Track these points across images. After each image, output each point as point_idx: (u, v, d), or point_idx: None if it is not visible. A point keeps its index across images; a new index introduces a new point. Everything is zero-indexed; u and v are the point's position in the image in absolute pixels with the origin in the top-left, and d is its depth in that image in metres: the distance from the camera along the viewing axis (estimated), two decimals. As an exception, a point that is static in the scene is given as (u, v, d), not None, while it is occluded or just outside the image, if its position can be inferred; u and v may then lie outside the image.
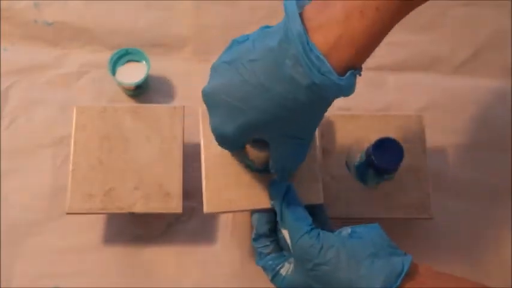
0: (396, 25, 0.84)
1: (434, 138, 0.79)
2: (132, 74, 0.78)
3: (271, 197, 0.64)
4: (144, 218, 0.75)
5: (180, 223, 0.75)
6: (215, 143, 0.67)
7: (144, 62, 0.79)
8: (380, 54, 0.83)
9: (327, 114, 0.71)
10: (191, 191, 0.73)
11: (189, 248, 0.75)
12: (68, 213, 0.68)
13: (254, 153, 0.64)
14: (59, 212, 0.74)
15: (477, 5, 0.86)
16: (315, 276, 0.58)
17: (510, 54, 0.84)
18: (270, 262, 0.63)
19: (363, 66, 0.84)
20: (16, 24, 0.83)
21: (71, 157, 0.69)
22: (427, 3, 0.84)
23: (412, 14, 0.85)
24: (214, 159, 0.68)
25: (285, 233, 0.62)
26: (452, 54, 0.84)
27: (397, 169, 0.68)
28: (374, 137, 0.67)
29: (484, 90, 0.83)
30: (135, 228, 0.75)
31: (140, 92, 0.80)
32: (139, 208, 0.68)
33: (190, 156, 0.71)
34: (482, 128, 0.81)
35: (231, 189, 0.67)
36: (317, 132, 0.71)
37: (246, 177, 0.67)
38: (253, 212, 0.66)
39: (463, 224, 0.77)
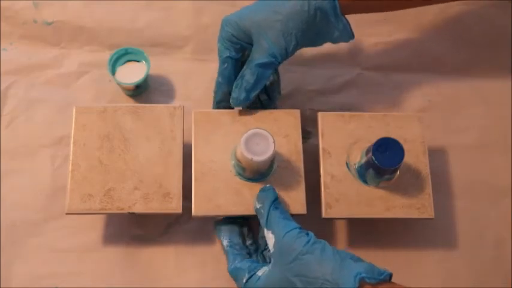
0: (396, 25, 0.85)
1: (434, 138, 0.79)
2: (132, 73, 0.78)
3: (260, 200, 0.66)
4: (144, 218, 0.75)
5: (180, 223, 0.75)
6: (207, 148, 0.69)
7: (143, 62, 0.78)
8: (380, 54, 0.84)
9: (327, 113, 0.72)
10: (191, 191, 0.73)
11: (188, 248, 0.74)
12: (67, 214, 0.68)
13: (247, 160, 0.65)
14: (59, 212, 0.74)
15: (477, 5, 0.86)
16: (296, 267, 0.59)
17: (510, 54, 0.84)
18: (249, 264, 0.65)
19: (363, 66, 0.84)
20: (16, 24, 0.83)
21: (71, 157, 0.69)
22: (427, 2, 0.85)
23: (412, 13, 0.86)
24: (205, 164, 0.69)
25: (268, 233, 0.63)
26: (452, 54, 0.84)
27: (397, 169, 0.68)
28: (374, 137, 0.67)
29: (484, 90, 0.83)
30: (134, 228, 0.75)
31: (140, 91, 0.80)
32: (139, 208, 0.68)
33: (190, 156, 0.71)
34: (482, 128, 0.81)
35: (220, 194, 0.68)
36: (318, 133, 0.72)
37: (234, 184, 0.69)
38: (217, 224, 0.70)
39: (463, 224, 0.77)
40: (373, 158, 0.66)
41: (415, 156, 0.71)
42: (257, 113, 0.72)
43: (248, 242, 0.70)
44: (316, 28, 0.69)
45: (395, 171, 0.68)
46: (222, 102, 0.73)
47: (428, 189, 0.71)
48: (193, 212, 0.68)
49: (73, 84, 0.81)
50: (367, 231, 0.75)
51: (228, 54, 0.71)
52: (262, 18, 0.68)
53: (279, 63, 0.70)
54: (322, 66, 0.83)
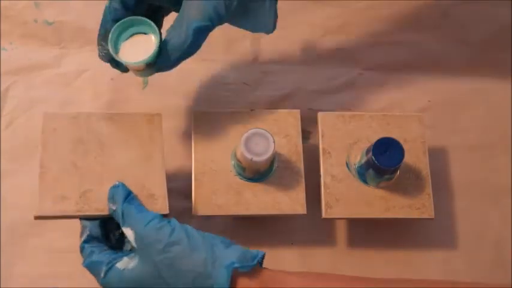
0: (396, 25, 0.85)
1: (434, 138, 0.79)
2: (139, 50, 0.64)
3: (112, 200, 0.62)
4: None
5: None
6: (207, 148, 0.68)
7: (151, 35, 0.64)
8: (380, 54, 0.84)
9: (327, 113, 0.72)
10: (191, 191, 0.73)
11: (189, 248, 0.74)
12: (36, 218, 0.64)
13: (247, 161, 0.65)
14: (59, 212, 0.74)
15: (478, 5, 0.86)
16: (165, 260, 0.56)
17: (510, 54, 0.84)
18: (105, 257, 0.59)
19: (363, 66, 0.84)
20: (16, 24, 0.83)
21: (39, 161, 0.65)
22: (427, 2, 0.85)
23: (413, 13, 0.85)
24: (205, 163, 0.69)
25: (128, 230, 0.59)
26: (453, 54, 0.84)
27: (397, 169, 0.68)
28: (374, 137, 0.67)
29: (484, 90, 0.83)
30: (134, 228, 0.75)
31: (151, 71, 0.66)
32: None
33: (190, 156, 0.71)
34: (483, 128, 0.81)
35: (220, 194, 0.68)
36: (318, 133, 0.72)
37: (234, 184, 0.69)
38: (82, 218, 0.64)
39: (463, 224, 0.77)
40: (373, 158, 0.66)
41: (415, 156, 0.71)
42: (257, 113, 0.72)
43: (115, 236, 0.64)
44: (250, 7, 0.63)
45: (395, 171, 0.68)
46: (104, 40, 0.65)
47: (428, 189, 0.71)
48: (193, 212, 0.68)
49: (73, 84, 0.81)
50: (367, 231, 0.75)
51: None
52: None
53: (211, 30, 0.63)
54: (322, 66, 0.83)
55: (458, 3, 0.86)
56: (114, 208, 0.61)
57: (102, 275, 0.58)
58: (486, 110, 0.82)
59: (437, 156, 0.79)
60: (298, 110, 0.73)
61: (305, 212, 0.69)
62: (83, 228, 0.63)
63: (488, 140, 0.80)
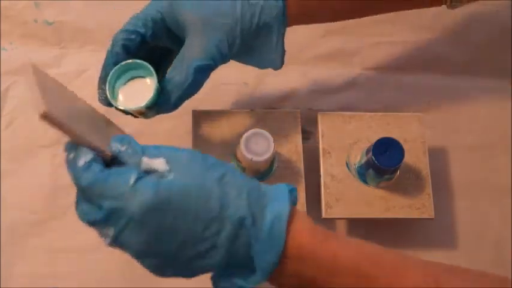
0: (396, 25, 0.85)
1: (434, 138, 0.79)
2: (138, 93, 0.62)
3: (123, 141, 0.49)
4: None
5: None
6: (206, 148, 0.68)
7: (147, 78, 0.62)
8: (380, 54, 0.84)
9: (327, 113, 0.72)
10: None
11: (189, 248, 0.74)
12: (43, 116, 0.47)
13: (247, 161, 0.65)
14: (59, 212, 0.74)
15: (477, 5, 0.86)
16: (216, 173, 0.48)
17: (510, 54, 0.84)
18: (129, 168, 0.48)
19: (363, 66, 0.84)
20: (16, 24, 0.83)
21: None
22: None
23: (412, 13, 0.85)
24: None
25: (152, 161, 0.48)
26: (452, 54, 0.84)
27: (397, 169, 0.68)
28: (374, 137, 0.68)
29: (484, 90, 0.83)
30: (135, 228, 0.75)
31: (153, 113, 0.64)
32: None
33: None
34: (483, 128, 0.81)
35: None
36: (318, 133, 0.72)
37: None
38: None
39: (463, 224, 0.77)
40: (373, 158, 0.66)
41: (415, 156, 0.71)
42: (257, 113, 0.72)
43: None
44: (255, 44, 0.62)
45: (395, 171, 0.68)
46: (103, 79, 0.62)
47: (428, 189, 0.71)
48: None
49: (73, 84, 0.81)
50: (367, 231, 0.75)
51: (142, 31, 0.60)
52: (210, 14, 0.59)
53: (213, 69, 0.61)
54: (322, 66, 0.83)
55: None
56: (123, 149, 0.49)
57: (131, 182, 0.46)
58: (486, 110, 0.82)
59: (437, 156, 0.79)
60: (298, 110, 0.73)
61: (305, 211, 0.69)
62: (86, 151, 0.50)
63: (488, 140, 0.81)
